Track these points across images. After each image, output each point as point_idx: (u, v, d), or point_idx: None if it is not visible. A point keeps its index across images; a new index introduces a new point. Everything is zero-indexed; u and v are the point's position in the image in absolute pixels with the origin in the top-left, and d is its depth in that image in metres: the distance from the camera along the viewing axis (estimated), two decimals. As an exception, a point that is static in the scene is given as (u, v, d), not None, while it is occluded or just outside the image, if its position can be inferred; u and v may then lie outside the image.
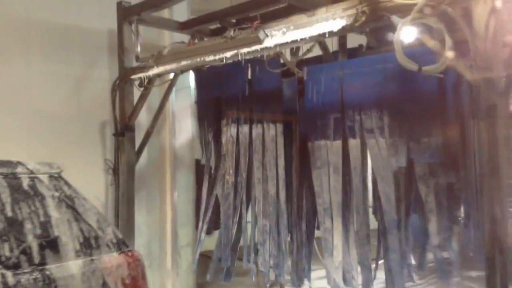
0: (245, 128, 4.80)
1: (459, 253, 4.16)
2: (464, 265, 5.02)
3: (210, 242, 6.77)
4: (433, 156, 3.86)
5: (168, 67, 4.54)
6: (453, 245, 4.17)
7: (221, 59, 4.02)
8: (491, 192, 2.90)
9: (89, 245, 2.85)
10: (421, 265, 4.57)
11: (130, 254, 2.97)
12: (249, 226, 5.13)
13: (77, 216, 2.93)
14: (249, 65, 4.74)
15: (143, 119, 5.52)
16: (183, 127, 6.07)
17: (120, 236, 3.06)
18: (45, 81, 5.13)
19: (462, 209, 4.55)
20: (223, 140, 4.95)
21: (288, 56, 4.51)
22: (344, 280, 4.50)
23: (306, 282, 5.05)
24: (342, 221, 4.36)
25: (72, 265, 2.69)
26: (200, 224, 5.30)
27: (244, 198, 4.87)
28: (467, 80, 3.01)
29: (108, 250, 2.92)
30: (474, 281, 5.72)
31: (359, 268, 4.47)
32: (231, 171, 4.86)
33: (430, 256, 4.60)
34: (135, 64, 5.09)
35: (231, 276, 5.18)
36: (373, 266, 4.60)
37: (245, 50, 3.86)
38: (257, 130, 4.74)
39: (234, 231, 4.98)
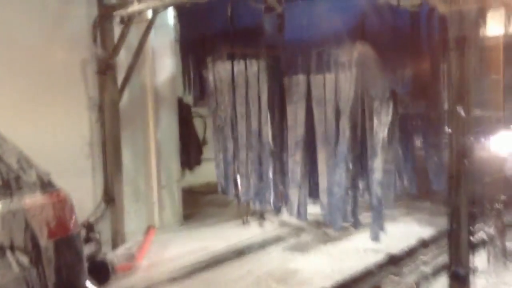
0: (228, 65, 4.94)
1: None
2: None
3: (192, 178, 7.07)
4: (403, 87, 4.13)
5: (150, 3, 4.55)
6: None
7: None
8: (457, 121, 3.17)
9: (8, 186, 2.64)
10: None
11: (55, 194, 2.78)
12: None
13: None
14: (230, 1, 4.80)
15: (122, 57, 5.54)
16: (164, 65, 6.12)
17: (46, 176, 2.89)
18: (22, 19, 5.03)
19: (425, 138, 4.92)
20: (208, 77, 5.09)
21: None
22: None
23: (283, 210, 5.42)
24: (324, 151, 4.63)
25: (-12, 208, 2.49)
26: None
27: (229, 132, 5.09)
28: (439, 12, 3.21)
29: (30, 191, 2.72)
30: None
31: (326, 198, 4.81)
32: (222, 107, 5.06)
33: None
34: (114, 1, 5.06)
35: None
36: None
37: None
38: (239, 66, 4.89)
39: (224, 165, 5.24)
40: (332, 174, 4.47)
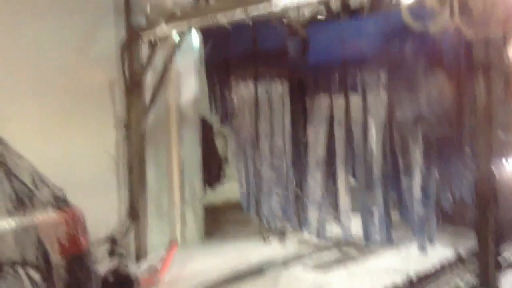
0: (252, 87, 5.07)
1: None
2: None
3: (213, 196, 7.15)
4: (429, 111, 4.19)
5: (178, 25, 4.71)
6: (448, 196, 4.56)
7: (231, 17, 4.23)
8: (484, 145, 3.21)
9: (21, 203, 2.69)
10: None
11: (68, 211, 2.81)
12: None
13: (9, 173, 2.75)
14: (255, 25, 4.94)
15: (148, 77, 5.70)
16: (188, 86, 6.28)
17: (60, 193, 2.94)
18: (53, 41, 5.22)
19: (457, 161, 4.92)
20: (233, 98, 5.22)
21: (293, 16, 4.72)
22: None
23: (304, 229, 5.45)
24: (345, 172, 4.70)
25: (3, 224, 2.53)
26: None
27: (252, 152, 5.19)
28: (465, 37, 3.29)
29: (43, 208, 2.77)
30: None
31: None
32: (241, 127, 5.17)
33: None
34: (143, 23, 5.25)
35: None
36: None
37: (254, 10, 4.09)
38: (264, 87, 5.02)
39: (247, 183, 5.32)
40: (364, 194, 4.52)
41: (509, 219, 3.92)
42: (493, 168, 3.12)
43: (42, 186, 2.88)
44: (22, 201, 2.69)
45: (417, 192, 4.32)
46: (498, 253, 3.11)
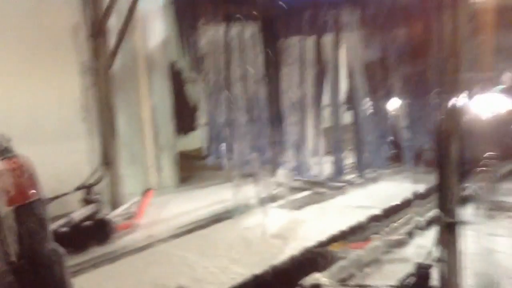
0: (223, 28, 4.94)
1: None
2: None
3: (187, 142, 7.14)
4: (402, 47, 4.18)
5: (142, -36, 4.51)
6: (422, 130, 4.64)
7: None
8: (450, 81, 3.24)
9: None
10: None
11: (13, 160, 2.70)
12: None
13: None
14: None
15: (113, 22, 5.50)
16: (155, 30, 6.11)
17: (5, 143, 2.80)
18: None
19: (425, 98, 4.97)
20: (202, 40, 5.09)
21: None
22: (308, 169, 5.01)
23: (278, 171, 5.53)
24: (313, 114, 4.72)
25: None
26: None
27: (226, 96, 5.12)
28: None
29: None
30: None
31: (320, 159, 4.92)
32: (212, 71, 5.07)
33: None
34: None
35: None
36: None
37: None
38: (235, 29, 4.89)
39: (218, 128, 5.28)
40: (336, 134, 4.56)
41: (471, 155, 4.06)
42: (458, 104, 3.17)
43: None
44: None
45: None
46: (460, 187, 3.22)
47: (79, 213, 4.57)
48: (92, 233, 4.42)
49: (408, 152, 4.60)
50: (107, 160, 5.25)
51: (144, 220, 4.90)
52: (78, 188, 4.83)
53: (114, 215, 4.80)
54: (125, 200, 5.26)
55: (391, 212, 4.74)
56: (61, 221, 4.34)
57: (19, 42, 5.04)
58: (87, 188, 4.90)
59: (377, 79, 4.46)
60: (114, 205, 5.21)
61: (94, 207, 4.72)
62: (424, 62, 4.76)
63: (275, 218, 4.93)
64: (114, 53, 5.35)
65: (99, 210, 4.74)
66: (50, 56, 5.23)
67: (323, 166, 5.00)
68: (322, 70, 4.66)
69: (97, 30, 5.19)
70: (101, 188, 5.12)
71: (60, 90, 5.34)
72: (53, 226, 3.74)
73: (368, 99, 4.51)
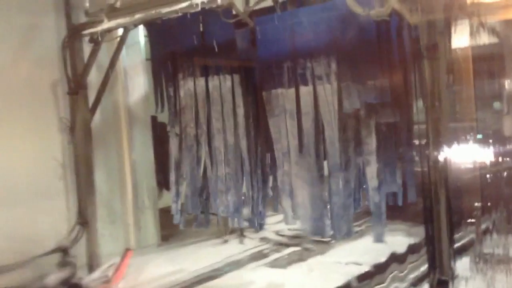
0: (201, 81, 4.89)
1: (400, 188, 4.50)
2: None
3: (169, 198, 6.93)
4: (377, 98, 4.13)
5: (120, 21, 4.50)
6: (391, 186, 4.53)
7: (176, 11, 4.06)
8: (432, 131, 3.18)
9: None
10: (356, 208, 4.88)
11: None
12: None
13: None
14: (201, 17, 4.78)
15: (93, 77, 5.45)
16: (136, 84, 6.06)
17: None
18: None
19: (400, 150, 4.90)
20: (181, 94, 5.02)
21: (240, 7, 4.58)
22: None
23: (265, 226, 5.35)
24: (300, 164, 4.60)
25: None
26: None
27: (207, 149, 5.00)
28: (409, 23, 3.26)
29: None
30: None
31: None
32: (192, 124, 4.97)
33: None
34: (83, 20, 4.99)
35: (204, 223, 5.20)
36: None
37: (199, 0, 3.93)
38: (213, 82, 4.84)
39: (199, 181, 5.11)
40: (319, 186, 4.42)
41: (458, 206, 3.95)
42: (442, 155, 3.11)
43: None
44: None
45: (373, 181, 4.26)
46: (451, 240, 3.10)
47: (53, 277, 4.33)
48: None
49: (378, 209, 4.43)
50: (84, 219, 5.03)
51: (122, 284, 4.64)
52: (53, 251, 4.61)
53: (90, 279, 4.54)
54: (103, 262, 5.00)
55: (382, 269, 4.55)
56: (34, 286, 4.11)
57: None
58: (63, 249, 4.67)
59: (350, 132, 4.38)
60: (92, 266, 4.96)
61: (69, 271, 4.47)
62: (402, 112, 4.74)
63: (261, 277, 4.70)
64: (93, 109, 5.26)
65: (74, 273, 4.49)
66: (29, 113, 5.11)
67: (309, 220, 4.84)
68: (301, 122, 4.59)
69: (76, 86, 5.12)
70: (77, 249, 4.90)
71: (37, 147, 5.18)
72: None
73: (341, 152, 4.41)
